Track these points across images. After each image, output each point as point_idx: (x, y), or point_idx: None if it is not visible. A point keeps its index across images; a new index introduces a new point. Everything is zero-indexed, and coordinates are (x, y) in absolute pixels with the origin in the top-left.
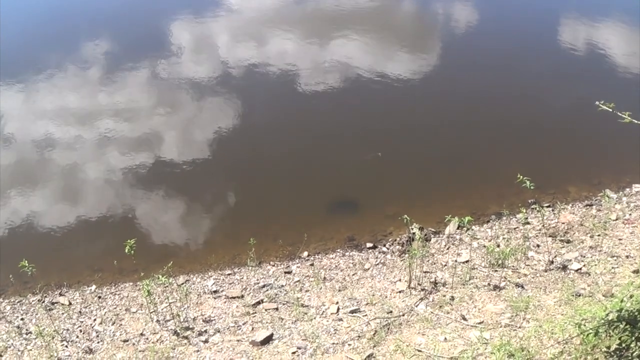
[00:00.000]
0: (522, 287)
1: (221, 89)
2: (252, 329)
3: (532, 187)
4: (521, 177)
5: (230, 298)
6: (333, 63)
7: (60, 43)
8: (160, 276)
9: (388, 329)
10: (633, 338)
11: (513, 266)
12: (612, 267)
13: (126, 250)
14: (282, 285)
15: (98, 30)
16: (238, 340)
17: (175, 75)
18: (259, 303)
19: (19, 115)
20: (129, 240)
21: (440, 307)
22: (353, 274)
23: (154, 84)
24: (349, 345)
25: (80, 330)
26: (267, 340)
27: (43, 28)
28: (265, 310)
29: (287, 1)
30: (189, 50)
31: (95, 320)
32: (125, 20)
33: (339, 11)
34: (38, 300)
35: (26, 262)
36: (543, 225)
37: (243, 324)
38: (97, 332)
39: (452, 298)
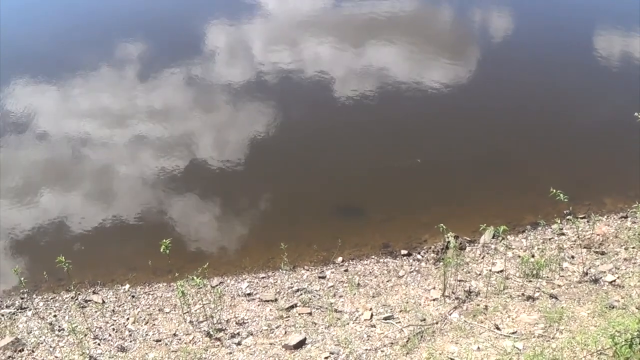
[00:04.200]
0: (556, 298)
1: (255, 93)
2: (285, 332)
3: (565, 200)
4: (555, 190)
5: (264, 301)
6: (370, 69)
7: (95, 45)
8: (194, 277)
9: (421, 336)
10: None
11: (547, 277)
12: None
13: (161, 250)
14: (316, 290)
15: (133, 33)
16: (271, 344)
17: (208, 78)
18: (292, 307)
19: (54, 114)
20: (164, 240)
21: (474, 316)
22: (387, 281)
23: (188, 86)
24: (382, 352)
25: (113, 329)
26: (300, 344)
27: (79, 29)
28: (299, 314)
29: (323, 7)
30: (223, 53)
31: (128, 319)
32: (160, 23)
33: (375, 18)
34: (71, 298)
35: (63, 258)
36: (578, 237)
37: (276, 328)
38: (129, 331)
39: (486, 307)
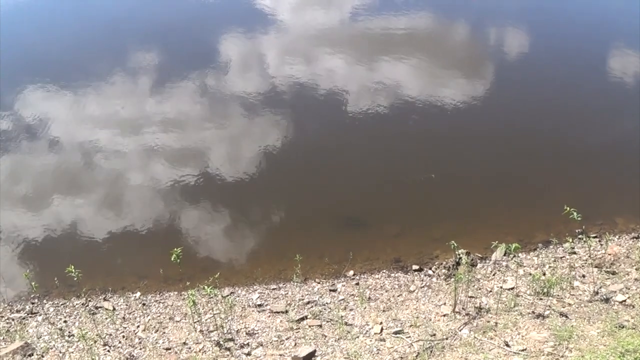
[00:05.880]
0: (566, 316)
1: (268, 106)
2: (295, 344)
3: (579, 219)
4: (568, 208)
5: (275, 312)
6: (385, 84)
7: (111, 54)
8: (205, 287)
9: (431, 351)
10: None
11: (558, 295)
12: None
13: (172, 259)
14: (327, 303)
15: (148, 43)
16: (280, 355)
17: (222, 90)
18: (302, 319)
19: (67, 121)
20: (175, 249)
21: (484, 332)
22: (398, 295)
23: (201, 97)
24: None
25: (123, 336)
26: (310, 356)
27: (97, 39)
28: (309, 326)
29: (338, 22)
30: (236, 65)
31: (138, 327)
32: (175, 35)
33: (390, 34)
34: (82, 304)
35: (73, 267)
36: (589, 256)
37: (286, 339)
38: (139, 339)
39: (496, 324)
